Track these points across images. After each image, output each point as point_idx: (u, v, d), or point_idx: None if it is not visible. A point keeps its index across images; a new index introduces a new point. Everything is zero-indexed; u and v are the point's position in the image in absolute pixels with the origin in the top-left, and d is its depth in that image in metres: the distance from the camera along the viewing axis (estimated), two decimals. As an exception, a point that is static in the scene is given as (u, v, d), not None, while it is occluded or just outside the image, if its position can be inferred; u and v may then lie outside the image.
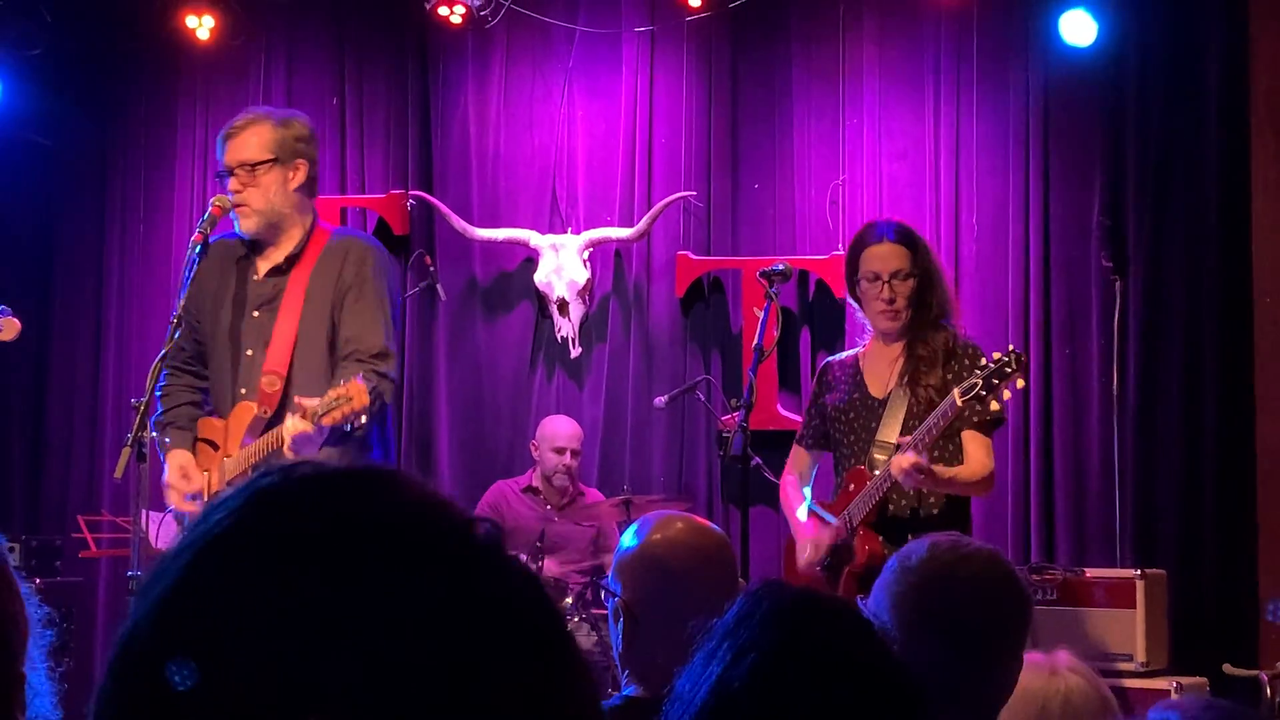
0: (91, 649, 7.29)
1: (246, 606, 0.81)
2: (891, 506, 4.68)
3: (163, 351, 4.40)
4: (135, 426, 4.29)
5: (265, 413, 4.51)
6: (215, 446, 4.50)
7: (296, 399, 4.34)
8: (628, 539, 2.76)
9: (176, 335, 4.45)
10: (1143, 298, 6.75)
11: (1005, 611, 2.46)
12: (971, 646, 2.33)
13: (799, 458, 5.01)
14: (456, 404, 7.64)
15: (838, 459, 4.89)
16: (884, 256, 4.72)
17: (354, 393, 4.20)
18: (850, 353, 5.01)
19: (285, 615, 0.80)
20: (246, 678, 0.80)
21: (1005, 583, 2.48)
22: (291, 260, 4.64)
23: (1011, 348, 4.61)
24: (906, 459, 4.46)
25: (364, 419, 4.28)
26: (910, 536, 4.50)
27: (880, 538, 4.64)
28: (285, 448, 4.31)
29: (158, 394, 4.79)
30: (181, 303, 4.46)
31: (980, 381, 4.50)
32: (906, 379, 4.70)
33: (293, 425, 4.28)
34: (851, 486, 4.69)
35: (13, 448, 7.94)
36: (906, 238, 4.80)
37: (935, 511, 4.69)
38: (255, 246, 4.67)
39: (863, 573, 4.51)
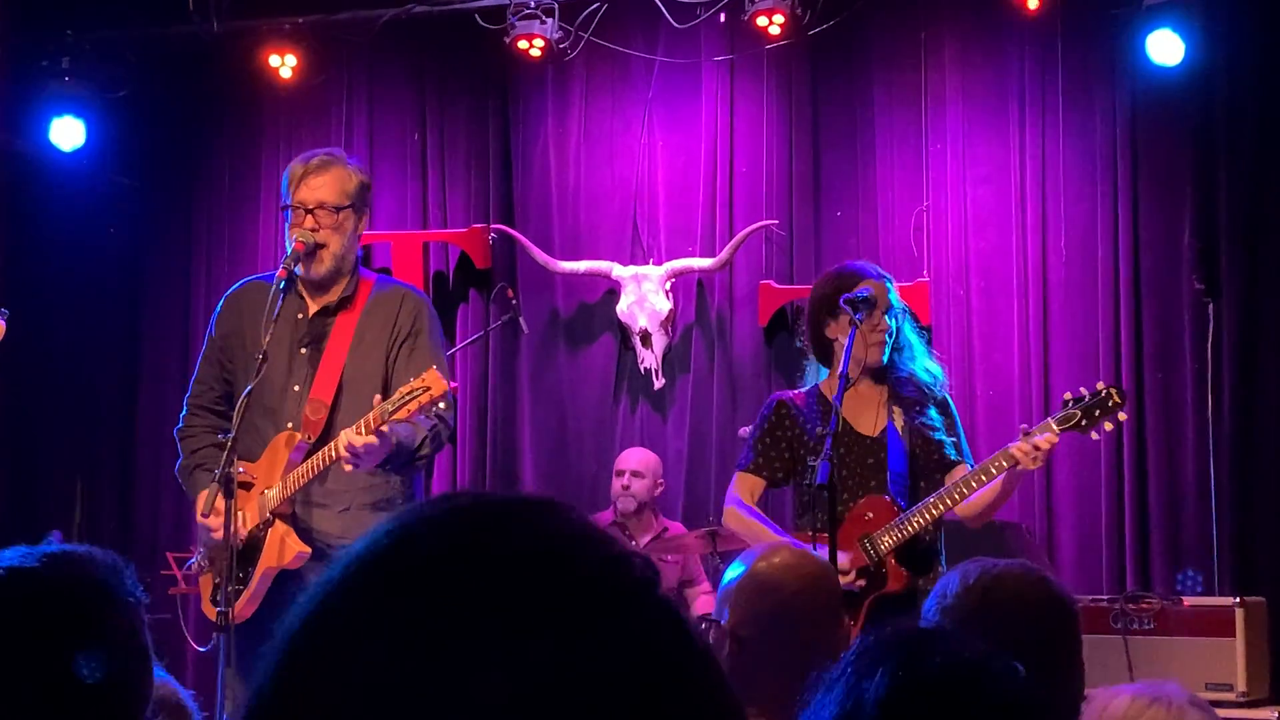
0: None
1: (385, 642, 0.79)
2: (928, 538, 4.68)
3: (249, 387, 4.40)
4: (222, 463, 4.30)
5: (309, 439, 4.50)
6: (248, 486, 4.48)
7: (343, 431, 4.33)
8: (733, 570, 2.84)
9: (260, 374, 4.44)
10: (1237, 320, 6.63)
11: (1055, 621, 2.55)
12: (1031, 663, 2.32)
13: (751, 484, 4.89)
14: (540, 437, 7.63)
15: (819, 493, 4.70)
16: (882, 291, 4.76)
17: (430, 380, 4.21)
18: (799, 392, 4.95)
19: (423, 654, 0.78)
20: (380, 710, 0.77)
21: (1046, 593, 2.57)
22: (343, 302, 4.67)
23: (1103, 385, 4.67)
24: (1049, 440, 4.49)
25: (443, 405, 4.32)
26: (938, 565, 4.59)
27: (904, 569, 4.63)
28: (342, 459, 4.30)
29: (178, 435, 4.80)
30: (266, 339, 4.45)
31: (1080, 413, 4.57)
32: (905, 419, 4.75)
33: (348, 436, 4.26)
34: (870, 514, 4.67)
35: (103, 485, 8.02)
36: (890, 279, 4.91)
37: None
38: (305, 287, 4.68)
39: (897, 598, 4.55)
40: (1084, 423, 4.57)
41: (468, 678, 0.77)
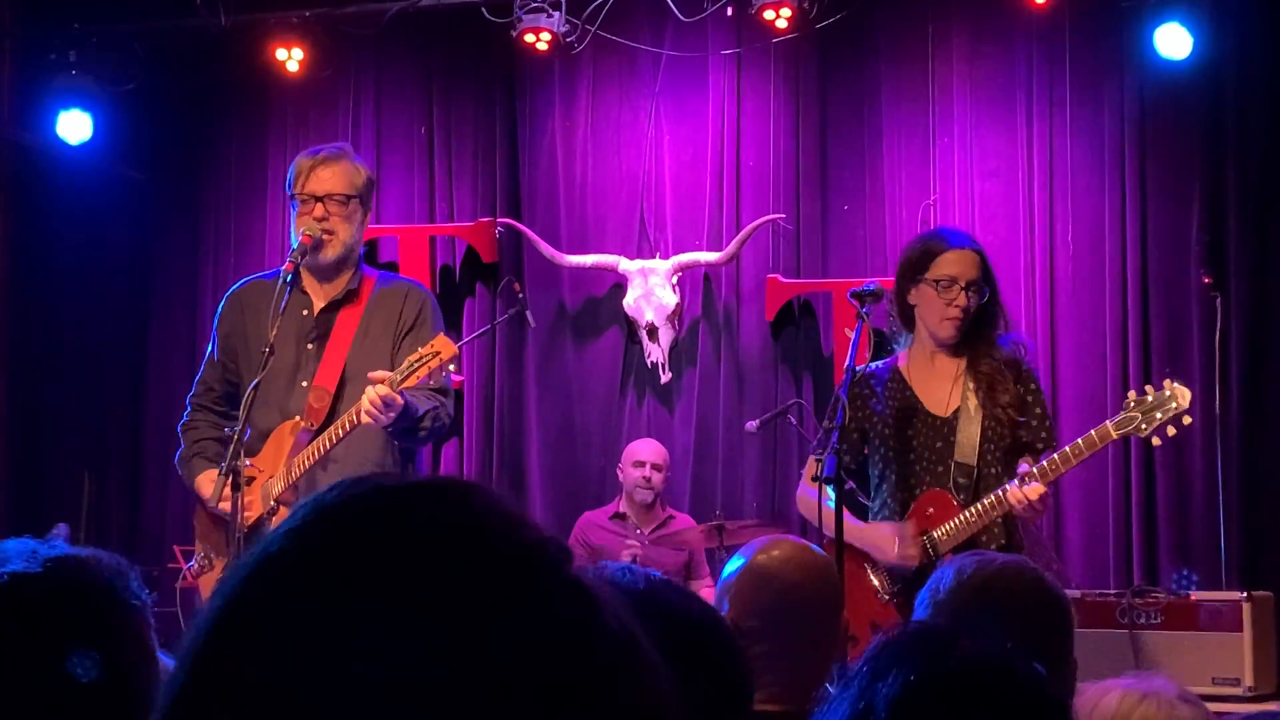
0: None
1: (287, 628, 0.79)
2: (985, 538, 4.50)
3: (255, 381, 4.41)
4: (230, 455, 4.31)
5: (311, 425, 4.52)
6: (250, 481, 4.50)
7: (370, 374, 4.35)
8: (733, 563, 2.85)
9: (266, 367, 4.45)
10: (1245, 314, 6.62)
11: (1047, 617, 2.58)
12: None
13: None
14: (547, 431, 7.63)
15: (886, 475, 4.69)
16: (964, 262, 4.59)
17: (439, 346, 4.26)
18: (880, 364, 4.80)
19: (323, 638, 0.78)
20: (277, 700, 0.77)
21: (1039, 589, 2.61)
22: (349, 294, 4.70)
23: (1173, 384, 4.49)
24: (1036, 490, 4.36)
25: (452, 368, 4.37)
26: None
27: None
28: (363, 417, 4.30)
29: (181, 430, 4.82)
30: (273, 333, 4.46)
31: (1139, 416, 4.42)
32: (980, 398, 4.56)
33: (373, 392, 4.27)
34: (931, 509, 4.55)
35: (111, 478, 8.03)
36: (981, 250, 4.70)
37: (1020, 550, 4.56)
38: (311, 280, 4.69)
39: None
40: (1143, 426, 4.41)
41: (377, 662, 0.77)
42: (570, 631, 0.81)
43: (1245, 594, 5.63)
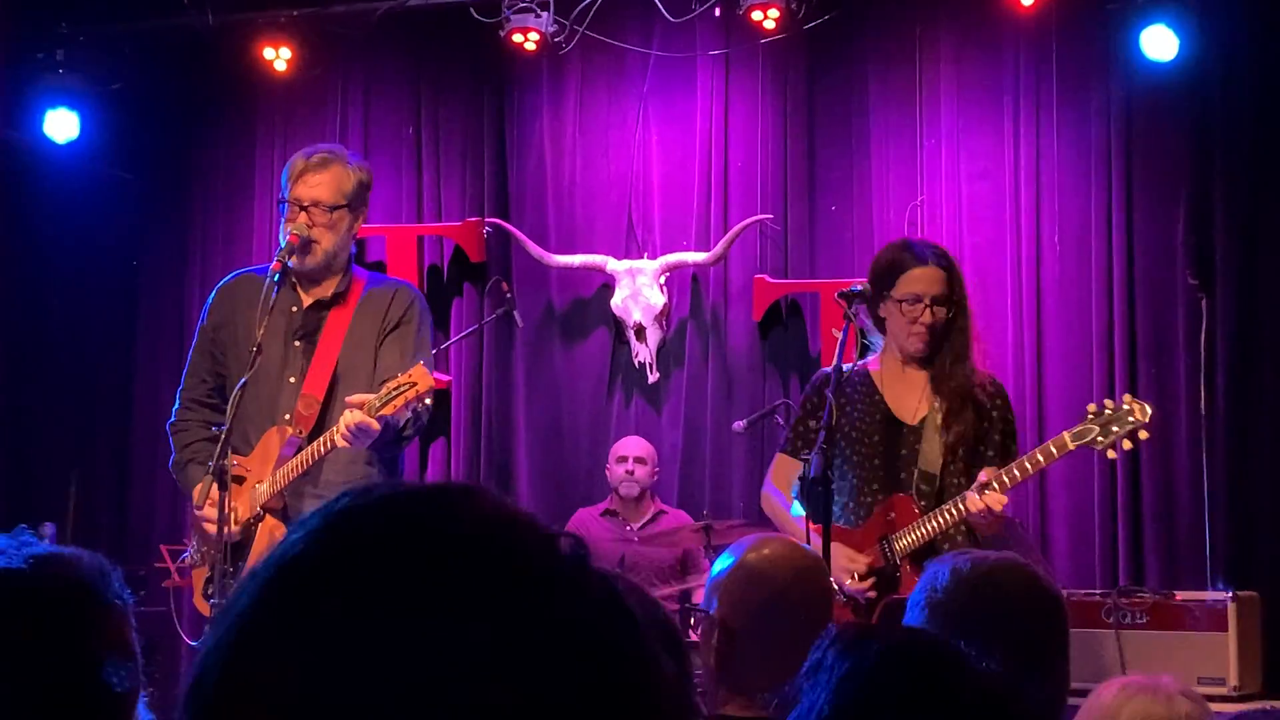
0: (175, 679, 7.33)
1: (317, 632, 0.79)
2: (948, 546, 4.47)
3: (243, 380, 4.42)
4: (217, 455, 4.31)
5: (300, 433, 4.53)
6: (240, 480, 4.50)
7: (347, 398, 4.35)
8: (723, 561, 2.86)
9: (254, 366, 4.45)
10: (1231, 315, 6.63)
11: (1043, 616, 2.57)
12: (1020, 656, 2.35)
13: (789, 468, 4.74)
14: (535, 431, 7.64)
15: (848, 478, 4.69)
16: (929, 279, 4.60)
17: (417, 377, 4.25)
18: (854, 366, 4.79)
19: (356, 641, 0.78)
20: (314, 703, 0.78)
21: (1035, 587, 2.60)
22: (337, 297, 4.70)
23: (1134, 399, 4.48)
24: (996, 499, 4.36)
25: (428, 401, 4.37)
26: None
27: (919, 573, 4.51)
28: (338, 440, 4.31)
29: (170, 430, 4.82)
30: (260, 332, 4.46)
31: (1096, 429, 4.42)
32: (941, 415, 4.60)
33: (349, 417, 4.28)
34: (893, 514, 4.56)
35: (98, 478, 8.02)
36: (948, 263, 4.70)
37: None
38: (299, 280, 4.69)
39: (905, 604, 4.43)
40: (1100, 439, 4.41)
41: (407, 666, 0.77)
42: (600, 623, 0.83)
43: (1231, 594, 5.65)
